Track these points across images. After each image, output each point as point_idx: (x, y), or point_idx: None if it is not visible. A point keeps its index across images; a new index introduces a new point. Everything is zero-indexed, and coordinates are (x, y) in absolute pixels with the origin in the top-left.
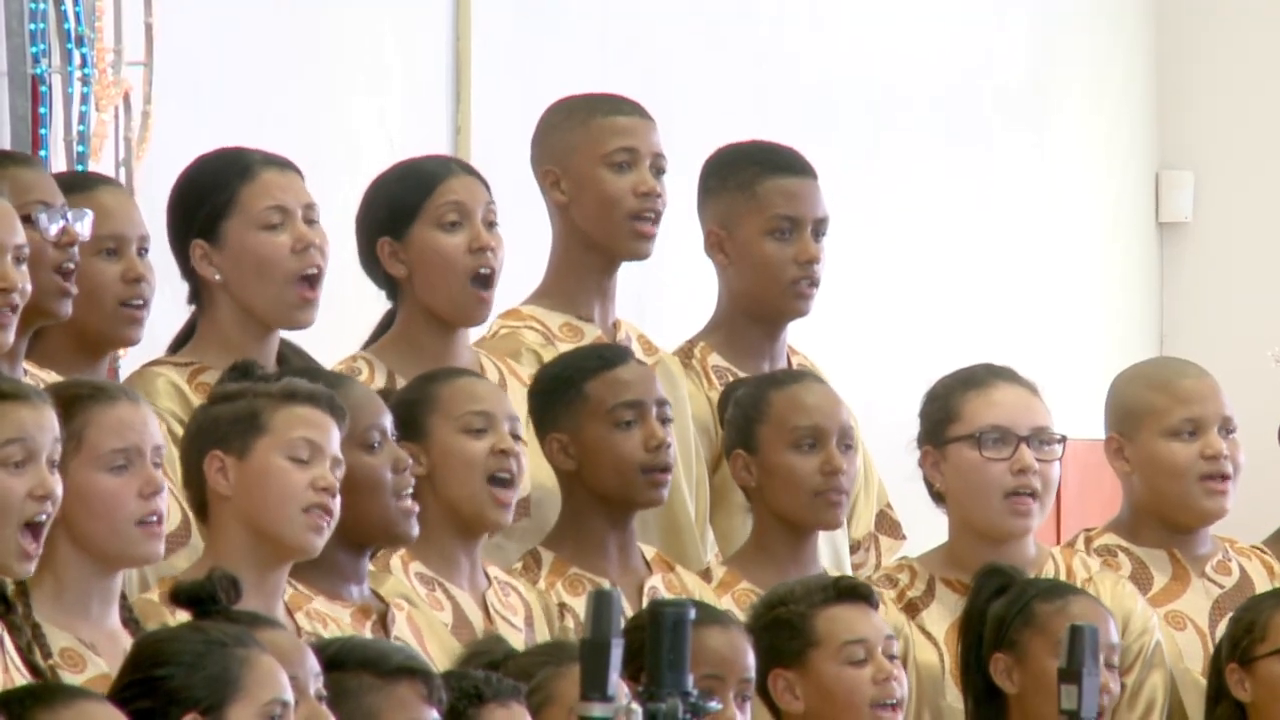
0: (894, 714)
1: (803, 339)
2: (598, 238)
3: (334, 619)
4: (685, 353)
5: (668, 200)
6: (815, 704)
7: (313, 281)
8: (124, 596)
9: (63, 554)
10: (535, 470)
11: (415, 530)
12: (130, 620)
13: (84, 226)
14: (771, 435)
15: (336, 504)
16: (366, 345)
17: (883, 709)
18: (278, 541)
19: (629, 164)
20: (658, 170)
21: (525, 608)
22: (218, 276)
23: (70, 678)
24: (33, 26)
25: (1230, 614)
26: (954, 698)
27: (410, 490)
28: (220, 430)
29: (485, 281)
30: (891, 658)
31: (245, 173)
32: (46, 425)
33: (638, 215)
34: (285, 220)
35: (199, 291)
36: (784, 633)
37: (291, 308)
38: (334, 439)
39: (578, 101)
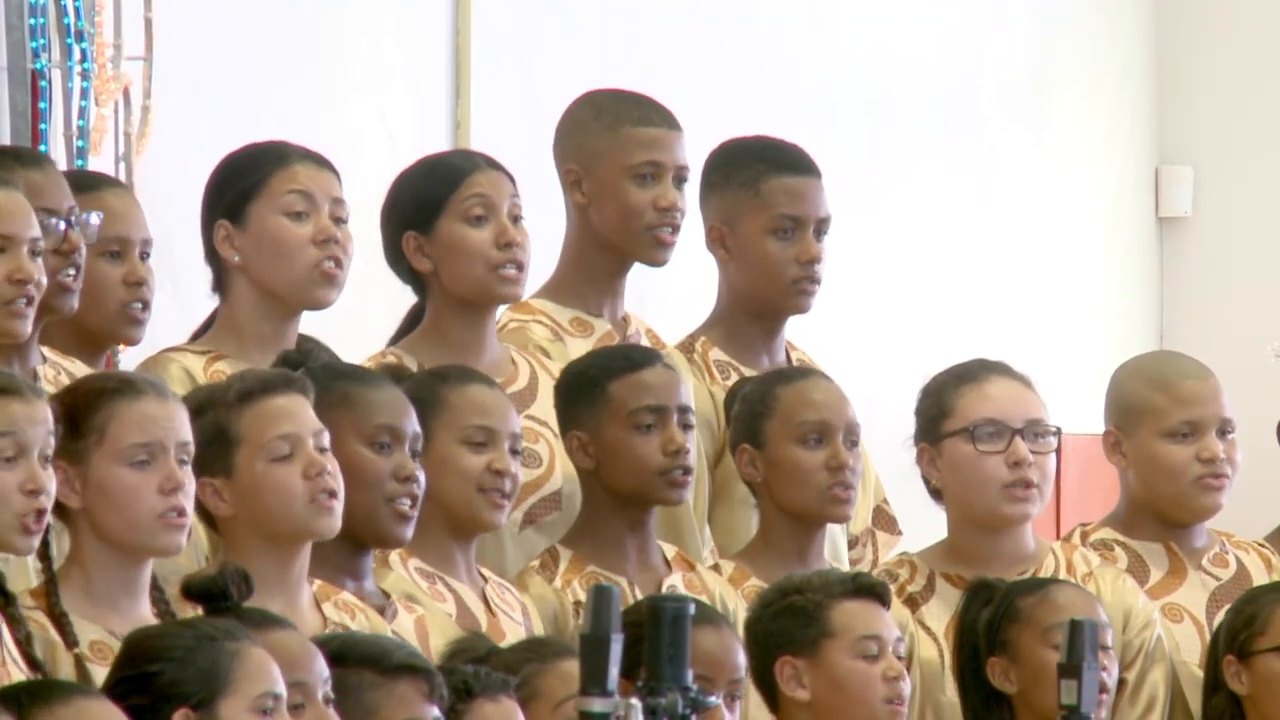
0: (900, 712)
1: (803, 335)
2: (615, 242)
3: (362, 610)
4: (686, 347)
5: (686, 208)
6: (823, 694)
7: (336, 263)
8: (157, 584)
9: (88, 547)
10: (568, 464)
11: (407, 534)
12: (166, 612)
13: (94, 221)
14: (778, 430)
15: (335, 476)
16: (395, 340)
17: (891, 706)
18: (293, 538)
19: (653, 177)
20: (679, 181)
21: (521, 607)
22: (237, 258)
23: (99, 670)
24: (32, 21)
25: (1229, 605)
26: (953, 692)
27: (409, 501)
28: (198, 455)
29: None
30: (900, 658)
31: (279, 160)
32: (38, 419)
33: (656, 227)
34: (310, 210)
35: (219, 279)
36: (798, 620)
37: (313, 284)
38: (307, 416)
39: (607, 102)
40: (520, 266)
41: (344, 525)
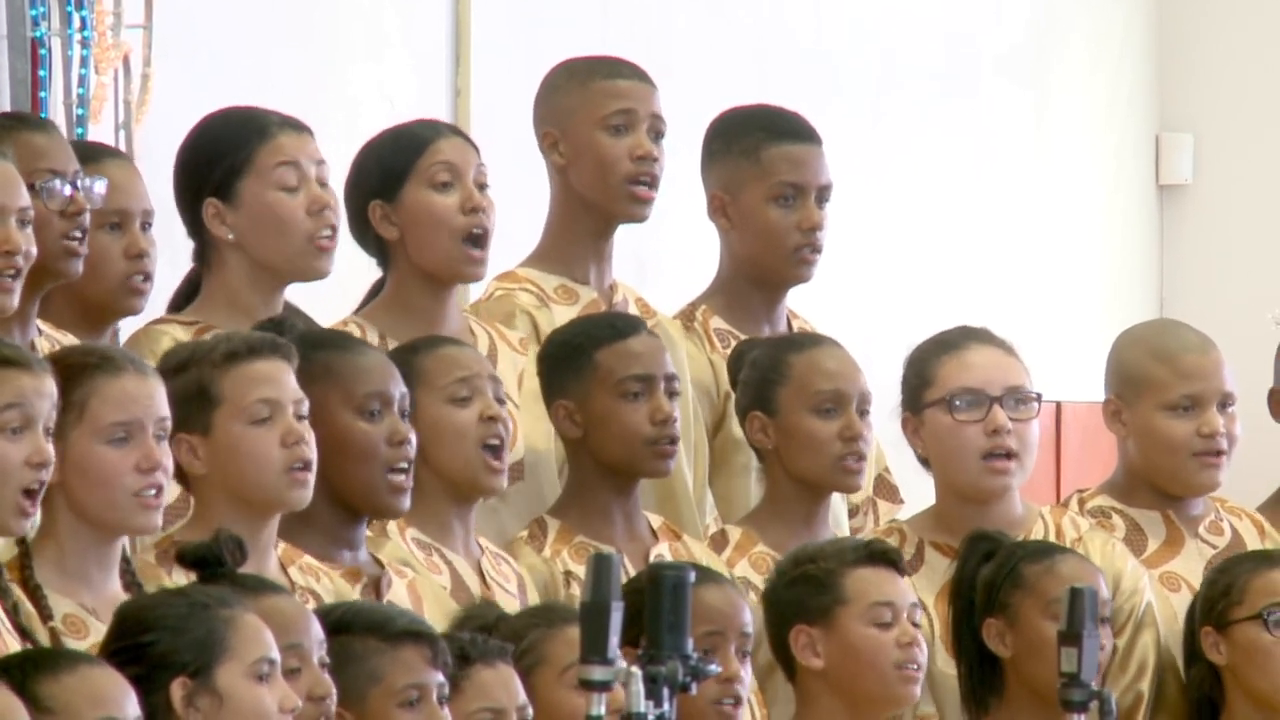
0: (915, 677)
1: (804, 302)
2: (595, 200)
3: (326, 573)
4: (687, 315)
5: (665, 164)
6: (837, 661)
7: (331, 230)
8: (126, 560)
9: (63, 521)
10: (529, 434)
11: (405, 505)
12: (133, 584)
13: (99, 188)
14: (792, 398)
15: (311, 447)
16: (358, 310)
17: (904, 671)
18: (264, 505)
19: (626, 126)
20: (656, 133)
21: (517, 578)
22: (230, 236)
23: (73, 643)
24: None
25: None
26: (944, 662)
27: (406, 465)
28: (177, 411)
29: (478, 241)
30: (915, 625)
31: (262, 133)
32: (45, 392)
33: (634, 179)
34: (301, 182)
35: (204, 251)
36: (811, 588)
37: (310, 257)
38: (289, 383)
39: (579, 64)
40: (485, 234)
41: (341, 497)
